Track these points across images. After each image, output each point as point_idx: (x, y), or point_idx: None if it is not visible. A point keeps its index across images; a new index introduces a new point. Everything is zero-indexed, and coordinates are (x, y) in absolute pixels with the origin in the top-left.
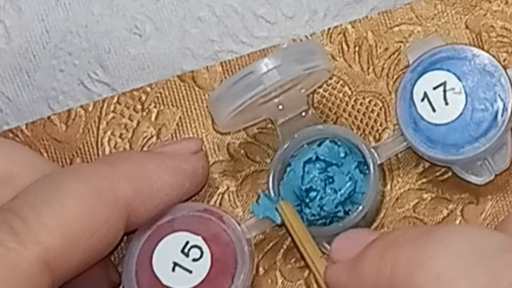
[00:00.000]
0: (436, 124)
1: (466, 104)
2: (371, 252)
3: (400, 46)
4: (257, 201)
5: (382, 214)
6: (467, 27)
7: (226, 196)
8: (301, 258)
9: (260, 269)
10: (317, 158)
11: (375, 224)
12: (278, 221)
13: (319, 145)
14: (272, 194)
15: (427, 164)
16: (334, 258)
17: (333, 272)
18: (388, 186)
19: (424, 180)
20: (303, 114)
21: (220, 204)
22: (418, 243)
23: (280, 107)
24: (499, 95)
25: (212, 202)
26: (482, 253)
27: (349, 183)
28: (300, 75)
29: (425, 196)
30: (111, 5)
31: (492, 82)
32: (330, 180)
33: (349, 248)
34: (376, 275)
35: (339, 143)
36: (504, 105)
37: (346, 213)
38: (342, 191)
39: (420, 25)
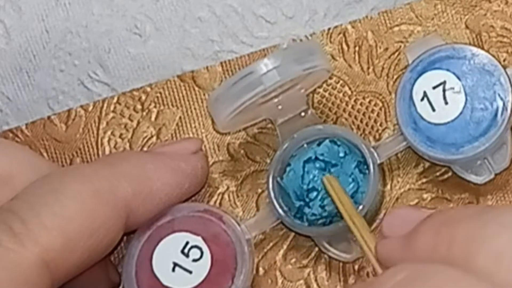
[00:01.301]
0: (435, 124)
1: (465, 104)
2: (426, 228)
3: (400, 46)
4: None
5: (382, 214)
6: (467, 27)
7: (226, 196)
8: (350, 233)
9: (260, 269)
10: (317, 158)
11: (374, 224)
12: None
13: (318, 144)
14: (272, 194)
15: (427, 164)
16: (386, 233)
17: (385, 247)
18: (388, 186)
19: (424, 180)
20: (303, 114)
21: (220, 204)
22: (475, 221)
23: (280, 107)
24: (499, 94)
25: (212, 202)
26: None
27: (352, 184)
28: (300, 75)
29: (425, 196)
30: (111, 5)
31: (492, 81)
32: None
33: (401, 224)
34: (432, 251)
35: (338, 142)
36: (503, 104)
37: None
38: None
39: (420, 25)
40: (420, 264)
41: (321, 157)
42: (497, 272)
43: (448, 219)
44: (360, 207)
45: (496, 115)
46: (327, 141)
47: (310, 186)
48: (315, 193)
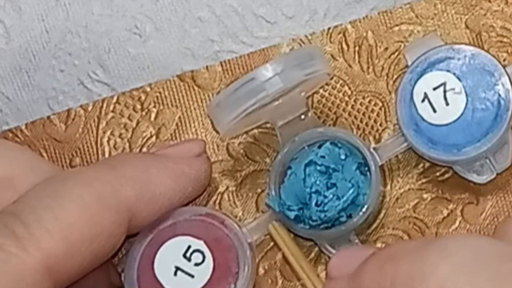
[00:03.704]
0: (437, 125)
1: (466, 104)
2: (370, 265)
3: (400, 46)
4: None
5: (382, 214)
6: (467, 27)
7: (225, 195)
8: (296, 278)
9: (260, 269)
10: (318, 160)
11: (375, 225)
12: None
13: (319, 147)
14: (274, 194)
15: (427, 164)
16: (332, 274)
17: None
18: (388, 186)
19: (424, 180)
20: (303, 116)
21: (219, 203)
22: (417, 255)
23: (280, 109)
24: (500, 94)
25: (211, 202)
26: (483, 261)
27: (351, 190)
28: (302, 80)
29: (425, 196)
30: (111, 5)
31: (492, 81)
32: (333, 187)
33: (346, 264)
34: None
35: (339, 145)
36: (505, 104)
37: (348, 216)
38: (345, 198)
39: (420, 25)
40: None
41: (322, 161)
42: None
43: (391, 256)
44: (363, 209)
45: (497, 115)
46: (328, 143)
47: (313, 189)
48: (316, 197)
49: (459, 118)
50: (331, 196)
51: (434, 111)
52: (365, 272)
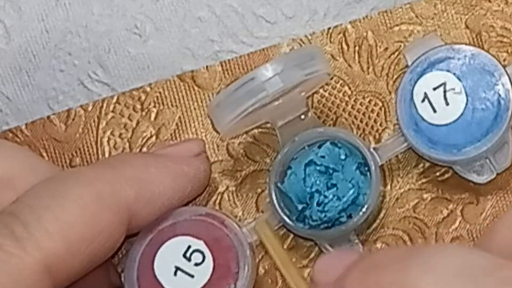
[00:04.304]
0: (437, 125)
1: (466, 104)
2: (353, 275)
3: (400, 46)
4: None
5: (382, 214)
6: (467, 27)
7: (225, 195)
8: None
9: (260, 269)
10: (318, 160)
11: (375, 225)
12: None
13: (319, 147)
14: (273, 197)
15: (427, 164)
16: (316, 279)
17: None
18: (388, 186)
19: (424, 180)
20: (303, 116)
21: (219, 203)
22: (400, 265)
23: (280, 109)
24: (500, 94)
25: (211, 202)
26: (466, 275)
27: (352, 190)
28: (302, 80)
29: (425, 196)
30: (111, 5)
31: (492, 81)
32: (334, 187)
33: (331, 270)
34: None
35: (339, 145)
36: (504, 103)
37: (348, 216)
38: (345, 198)
39: (420, 24)
40: None
41: (322, 161)
42: None
43: (373, 265)
44: (363, 209)
45: (497, 115)
46: (328, 143)
47: (313, 189)
48: (317, 196)
49: (459, 118)
50: (331, 196)
51: (434, 111)
52: (348, 280)
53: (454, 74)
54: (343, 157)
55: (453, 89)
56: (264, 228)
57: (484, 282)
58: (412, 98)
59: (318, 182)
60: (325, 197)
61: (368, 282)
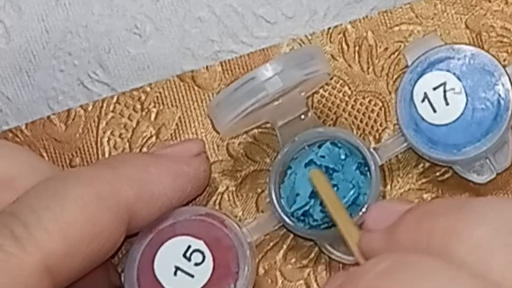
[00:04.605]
0: (437, 125)
1: (466, 104)
2: (407, 220)
3: (400, 46)
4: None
5: None
6: (467, 27)
7: (225, 195)
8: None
9: (260, 269)
10: (318, 160)
11: None
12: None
13: (319, 147)
14: (273, 197)
15: (427, 164)
16: (370, 226)
17: (368, 240)
18: (388, 186)
19: (424, 180)
20: (303, 116)
21: (219, 203)
22: (454, 213)
23: (280, 109)
24: (500, 94)
25: (211, 202)
26: None
27: (352, 191)
28: (302, 80)
29: (425, 196)
30: (111, 5)
31: (492, 81)
32: (334, 188)
33: (384, 217)
34: (412, 243)
35: (339, 145)
36: (504, 104)
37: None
38: (346, 199)
39: (420, 25)
40: (402, 254)
41: (322, 161)
42: (474, 263)
43: (428, 212)
44: (363, 209)
45: (497, 115)
46: (328, 143)
47: (312, 189)
48: (317, 196)
49: (459, 118)
50: None
51: (434, 111)
52: (402, 226)
53: (454, 74)
54: (343, 157)
55: (453, 89)
56: (318, 174)
57: None
58: (412, 98)
59: None
60: None
61: (421, 228)
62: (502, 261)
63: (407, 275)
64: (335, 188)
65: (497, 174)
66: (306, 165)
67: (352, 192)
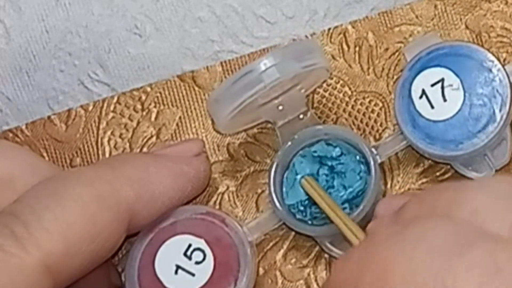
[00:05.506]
0: (434, 121)
1: (464, 100)
2: (413, 201)
3: (400, 47)
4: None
5: None
6: (467, 27)
7: (226, 196)
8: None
9: (260, 269)
10: (318, 158)
11: None
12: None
13: (318, 144)
14: (274, 195)
15: (427, 164)
16: (379, 213)
17: (377, 225)
18: (388, 186)
19: (424, 180)
20: (302, 116)
21: (219, 204)
22: (457, 187)
23: (280, 108)
24: (497, 90)
25: (211, 202)
26: None
27: (359, 182)
28: (299, 73)
29: None
30: (111, 5)
31: (490, 77)
32: (342, 175)
33: (392, 203)
34: (416, 218)
35: (337, 143)
36: (502, 100)
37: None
38: (351, 189)
39: (420, 25)
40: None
41: (321, 158)
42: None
43: (430, 192)
44: (361, 206)
45: (495, 111)
46: (323, 142)
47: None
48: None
49: (456, 114)
50: (336, 185)
51: (432, 107)
52: (407, 207)
53: (452, 70)
54: (339, 154)
55: (451, 85)
56: (310, 180)
57: None
58: (410, 95)
59: (317, 179)
60: (332, 186)
61: (425, 205)
62: (498, 221)
63: (415, 229)
64: (342, 176)
65: (496, 170)
66: (306, 163)
67: (358, 183)
